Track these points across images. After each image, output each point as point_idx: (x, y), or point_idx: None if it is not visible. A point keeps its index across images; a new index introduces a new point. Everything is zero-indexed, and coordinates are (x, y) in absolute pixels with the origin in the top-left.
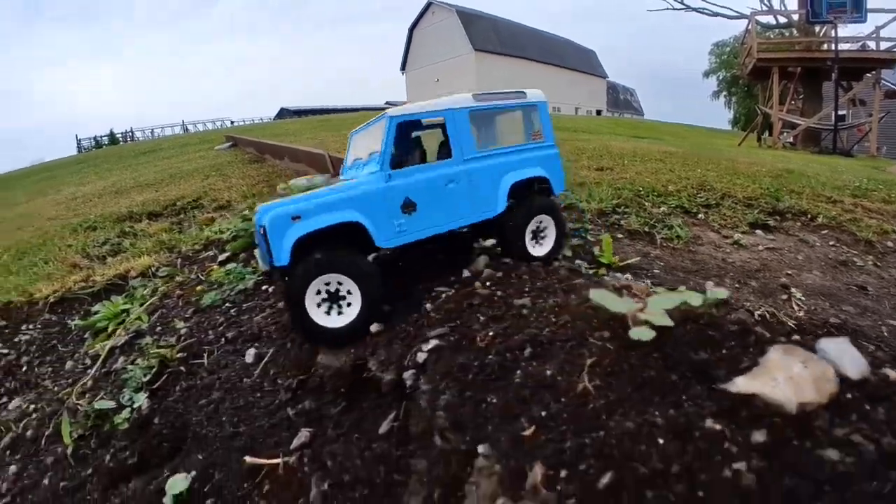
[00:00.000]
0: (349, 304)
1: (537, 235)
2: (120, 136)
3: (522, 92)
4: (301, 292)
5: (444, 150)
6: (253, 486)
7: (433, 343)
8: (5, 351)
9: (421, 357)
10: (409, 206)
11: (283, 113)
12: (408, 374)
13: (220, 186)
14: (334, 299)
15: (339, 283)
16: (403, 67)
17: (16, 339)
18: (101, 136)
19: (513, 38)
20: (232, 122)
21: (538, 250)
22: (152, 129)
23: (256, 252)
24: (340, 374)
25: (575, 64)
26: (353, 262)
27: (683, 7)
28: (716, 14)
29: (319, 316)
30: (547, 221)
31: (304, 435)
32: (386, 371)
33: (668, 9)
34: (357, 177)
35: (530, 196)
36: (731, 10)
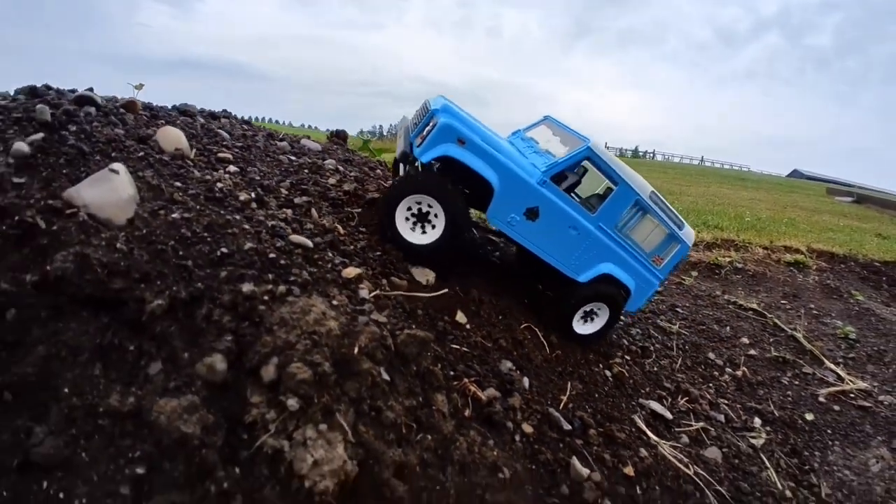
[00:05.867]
0: (433, 226)
1: (588, 316)
2: (642, 153)
3: (683, 227)
4: (392, 207)
5: (597, 202)
6: None
7: None
8: None
9: None
10: (532, 213)
11: (795, 174)
12: None
13: None
14: (422, 218)
15: (430, 206)
16: None
17: None
18: (626, 149)
19: None
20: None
21: (583, 328)
22: (671, 156)
23: (399, 126)
24: None
25: None
26: (442, 186)
27: None
28: None
29: (406, 230)
30: (602, 309)
31: None
32: None
33: None
34: (525, 156)
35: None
36: None
